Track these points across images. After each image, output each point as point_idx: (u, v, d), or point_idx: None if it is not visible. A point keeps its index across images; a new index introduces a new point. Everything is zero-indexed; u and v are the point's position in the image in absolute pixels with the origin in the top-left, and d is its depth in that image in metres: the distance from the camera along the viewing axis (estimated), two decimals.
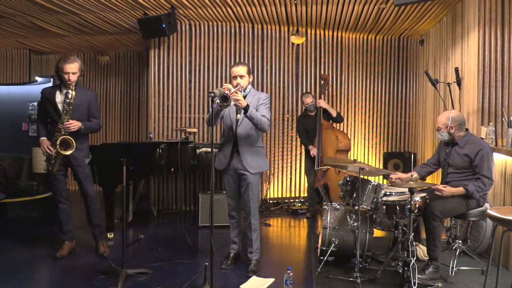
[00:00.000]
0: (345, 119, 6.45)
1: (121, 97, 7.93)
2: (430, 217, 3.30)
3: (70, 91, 3.72)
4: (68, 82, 3.72)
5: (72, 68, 3.74)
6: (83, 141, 3.88)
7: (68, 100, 3.71)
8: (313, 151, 5.45)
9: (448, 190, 3.40)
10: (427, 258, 3.45)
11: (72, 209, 4.10)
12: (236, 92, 3.26)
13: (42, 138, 3.84)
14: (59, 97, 3.80)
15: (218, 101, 3.09)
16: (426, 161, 3.96)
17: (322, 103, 5.48)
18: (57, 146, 3.69)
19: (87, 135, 4.01)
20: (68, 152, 3.70)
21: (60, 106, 3.76)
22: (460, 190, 3.37)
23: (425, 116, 6.21)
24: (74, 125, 3.72)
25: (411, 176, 3.65)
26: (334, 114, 5.55)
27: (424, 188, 3.64)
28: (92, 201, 3.96)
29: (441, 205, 3.35)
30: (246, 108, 3.32)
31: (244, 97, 3.42)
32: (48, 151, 3.75)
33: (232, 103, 3.23)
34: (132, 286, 3.28)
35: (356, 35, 6.62)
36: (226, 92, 3.13)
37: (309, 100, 5.56)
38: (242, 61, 6.21)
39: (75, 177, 3.92)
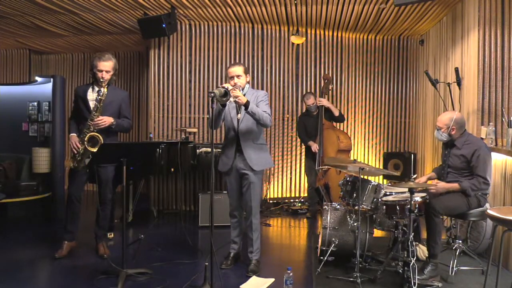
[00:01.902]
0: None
1: None
2: (432, 213, 3.30)
3: (102, 88, 3.72)
4: (101, 80, 3.72)
5: (106, 66, 3.74)
6: (113, 139, 3.85)
7: (99, 97, 3.70)
8: (314, 147, 5.42)
9: (441, 185, 3.41)
10: (427, 257, 3.46)
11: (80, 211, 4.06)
12: (234, 89, 3.27)
13: (71, 134, 3.84)
14: (91, 95, 3.81)
15: (217, 97, 3.10)
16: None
17: (324, 102, 5.46)
18: (85, 142, 3.68)
19: (117, 134, 4.01)
20: (96, 149, 3.67)
21: (92, 104, 3.77)
22: (454, 186, 3.38)
23: (425, 116, 6.21)
24: (104, 121, 3.71)
25: (428, 177, 3.70)
26: (336, 113, 5.53)
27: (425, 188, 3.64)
28: (106, 205, 3.94)
29: (443, 202, 3.35)
30: (246, 105, 3.33)
31: (243, 95, 3.43)
32: (76, 147, 3.74)
33: (232, 99, 3.24)
34: (132, 286, 3.28)
35: (356, 35, 6.62)
36: (225, 87, 3.14)
37: (311, 101, 5.55)
38: (242, 61, 6.23)
39: (98, 177, 3.87)
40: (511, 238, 3.59)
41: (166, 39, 6.06)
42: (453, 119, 3.47)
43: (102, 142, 3.66)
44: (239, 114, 3.54)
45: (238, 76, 3.52)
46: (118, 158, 3.35)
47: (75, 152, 3.77)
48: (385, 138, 6.78)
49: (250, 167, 3.52)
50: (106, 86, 3.74)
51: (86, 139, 3.68)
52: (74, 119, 3.93)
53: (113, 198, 4.27)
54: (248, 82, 3.63)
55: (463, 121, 3.53)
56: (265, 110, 3.48)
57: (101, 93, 3.71)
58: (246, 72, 3.59)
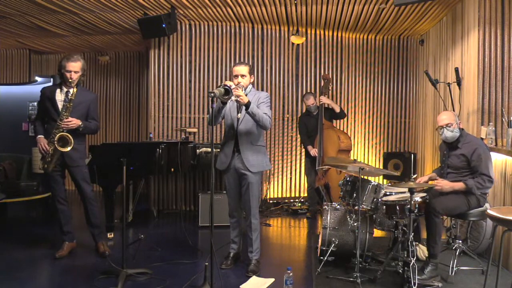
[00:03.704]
0: (345, 119, 6.45)
1: (121, 97, 7.93)
2: (432, 213, 3.30)
3: (71, 89, 3.72)
4: (70, 80, 3.72)
5: (75, 67, 3.74)
6: (80, 141, 3.85)
7: (69, 97, 3.70)
8: (313, 151, 5.45)
9: (445, 183, 3.40)
10: (427, 257, 3.46)
11: (71, 210, 4.09)
12: (237, 89, 3.26)
13: (39, 136, 3.83)
14: (59, 96, 3.79)
15: (218, 96, 3.09)
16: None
17: (324, 99, 5.45)
18: (55, 142, 3.67)
19: (85, 136, 4.00)
20: (67, 149, 3.68)
21: (60, 105, 3.76)
22: (459, 184, 3.37)
23: (425, 116, 6.21)
24: (73, 122, 3.71)
25: (429, 177, 3.71)
26: (337, 109, 5.52)
27: (425, 188, 3.64)
28: (90, 202, 3.95)
29: (443, 202, 3.35)
30: (247, 105, 3.32)
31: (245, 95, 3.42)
32: (45, 148, 3.73)
33: (234, 98, 3.23)
34: (132, 286, 3.28)
35: (356, 35, 6.62)
36: (227, 85, 3.13)
37: (310, 101, 5.54)
38: (242, 61, 6.21)
39: (72, 177, 3.91)
40: (511, 238, 3.59)
41: (166, 39, 6.06)
42: (455, 114, 3.52)
43: (73, 142, 3.67)
44: (239, 114, 3.54)
45: (242, 76, 3.51)
46: (118, 158, 3.35)
47: (44, 153, 3.76)
48: (385, 138, 6.78)
49: (247, 167, 3.52)
50: (75, 87, 3.74)
51: (56, 139, 3.67)
52: (40, 120, 3.91)
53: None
54: (251, 83, 3.62)
55: None
56: (266, 112, 3.47)
57: (71, 93, 3.71)
58: (251, 72, 3.58)
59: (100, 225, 4.08)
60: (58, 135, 3.67)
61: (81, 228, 4.27)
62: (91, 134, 4.24)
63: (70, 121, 3.69)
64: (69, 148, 3.68)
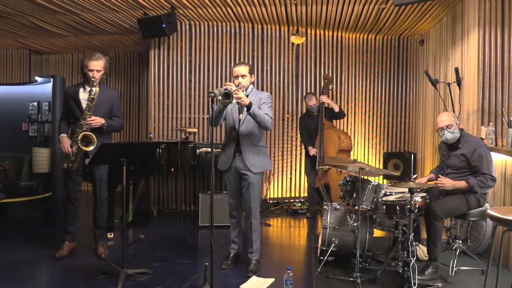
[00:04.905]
0: (345, 119, 6.46)
1: (121, 97, 7.92)
2: (432, 217, 3.29)
3: (94, 87, 3.72)
4: (92, 79, 3.72)
5: (97, 66, 3.74)
6: (105, 139, 3.82)
7: (91, 96, 3.70)
8: (312, 151, 5.46)
9: (447, 181, 3.40)
10: (427, 258, 3.46)
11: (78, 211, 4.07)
12: (238, 91, 3.26)
13: (62, 135, 3.82)
14: (82, 95, 3.79)
15: (220, 98, 3.10)
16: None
17: (324, 98, 5.45)
18: (78, 142, 3.67)
19: (110, 134, 4.00)
20: (90, 148, 3.66)
21: (84, 104, 3.75)
22: (461, 183, 3.36)
23: (425, 116, 6.21)
24: (96, 121, 3.71)
25: (428, 179, 3.70)
26: (336, 109, 5.53)
27: (425, 188, 3.63)
28: (102, 203, 3.95)
29: (442, 205, 3.35)
30: (248, 106, 3.32)
31: (246, 96, 3.42)
32: (67, 151, 3.72)
33: (234, 101, 3.23)
34: (132, 286, 3.28)
35: (356, 35, 6.62)
36: (228, 89, 3.13)
37: (312, 102, 5.54)
38: (242, 61, 6.21)
39: (91, 176, 3.89)
40: (511, 238, 3.59)
41: (166, 39, 6.06)
42: (455, 115, 3.51)
43: (96, 141, 3.66)
44: (241, 115, 3.54)
45: (243, 76, 3.51)
46: (118, 158, 3.35)
47: (68, 153, 3.75)
48: (385, 138, 6.78)
49: (248, 168, 3.52)
50: (97, 85, 3.74)
51: (79, 138, 3.67)
52: (65, 119, 3.92)
53: (111, 196, 4.27)
54: (252, 83, 3.62)
55: None
56: (267, 113, 3.47)
57: (93, 92, 3.71)
58: (251, 72, 3.58)
59: (103, 226, 4.09)
60: (81, 135, 3.67)
61: (82, 228, 4.27)
62: (115, 132, 4.24)
63: (93, 120, 3.70)
64: (92, 148, 3.67)
